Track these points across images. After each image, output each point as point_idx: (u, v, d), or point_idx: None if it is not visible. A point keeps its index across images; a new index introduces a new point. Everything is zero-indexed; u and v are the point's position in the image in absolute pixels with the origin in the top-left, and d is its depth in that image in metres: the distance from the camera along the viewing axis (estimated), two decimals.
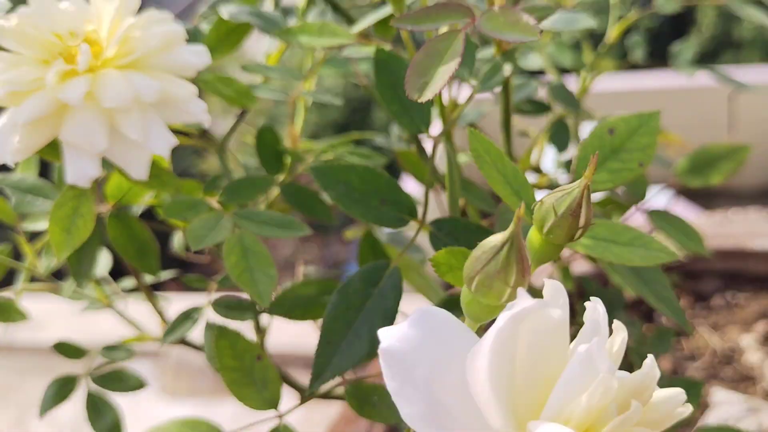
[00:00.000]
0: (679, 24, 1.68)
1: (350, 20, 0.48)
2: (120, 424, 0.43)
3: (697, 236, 0.45)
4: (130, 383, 0.43)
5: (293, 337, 0.89)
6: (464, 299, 0.23)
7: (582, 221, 0.25)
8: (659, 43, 1.45)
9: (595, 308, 0.20)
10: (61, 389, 0.43)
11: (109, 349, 0.44)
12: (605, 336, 0.20)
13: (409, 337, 0.20)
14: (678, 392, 0.21)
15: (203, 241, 0.35)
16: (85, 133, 0.33)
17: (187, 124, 0.41)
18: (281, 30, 0.42)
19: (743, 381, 0.62)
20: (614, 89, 1.05)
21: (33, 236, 0.47)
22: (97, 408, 0.43)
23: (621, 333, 0.21)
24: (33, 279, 0.47)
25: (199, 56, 0.38)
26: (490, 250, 0.22)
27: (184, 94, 0.36)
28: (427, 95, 0.30)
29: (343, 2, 0.49)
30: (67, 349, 0.44)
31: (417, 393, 0.19)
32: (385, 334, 0.20)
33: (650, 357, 0.21)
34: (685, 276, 0.71)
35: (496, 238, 0.23)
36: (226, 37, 0.44)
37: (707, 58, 1.63)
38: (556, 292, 0.20)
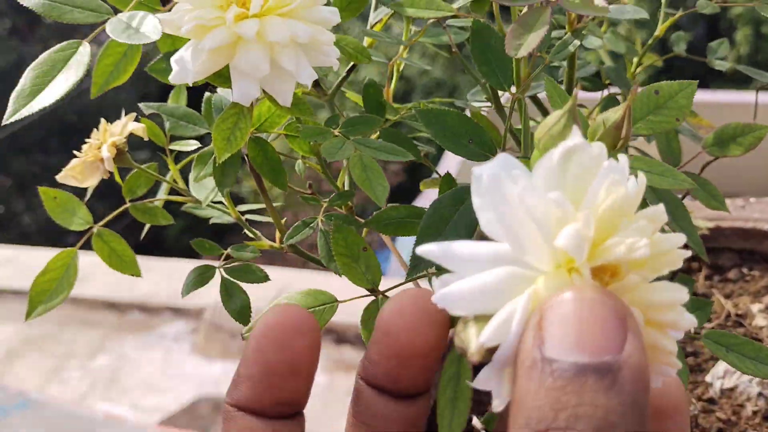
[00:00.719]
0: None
1: None
2: (249, 305, 0.53)
3: (720, 197, 0.55)
4: (257, 275, 0.53)
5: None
6: (533, 160, 0.32)
7: (623, 133, 0.35)
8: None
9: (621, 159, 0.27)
10: (201, 275, 0.53)
11: (237, 249, 0.54)
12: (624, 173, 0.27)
13: (493, 168, 0.27)
14: (679, 235, 0.27)
15: (334, 156, 0.46)
16: (253, 62, 0.43)
17: (322, 66, 0.51)
18: (394, 3, 0.52)
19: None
20: None
21: (177, 159, 0.58)
22: (229, 292, 0.53)
23: (641, 178, 0.27)
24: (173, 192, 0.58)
25: (333, 15, 0.47)
26: (554, 118, 0.32)
27: (326, 39, 0.46)
28: (522, 53, 0.40)
29: None
30: (203, 246, 0.54)
31: (492, 206, 0.27)
32: (477, 167, 0.27)
33: (660, 205, 0.27)
34: (707, 251, 0.81)
35: (559, 111, 0.32)
36: (348, 6, 0.54)
37: (742, 78, 1.70)
38: (599, 145, 0.27)
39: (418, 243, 0.45)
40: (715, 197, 0.55)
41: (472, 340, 0.27)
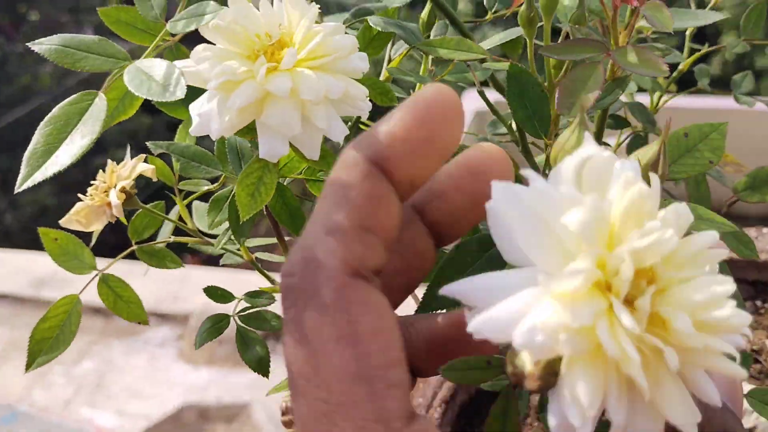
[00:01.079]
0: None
1: (465, 35, 0.55)
2: (267, 355, 0.50)
3: (752, 244, 0.52)
4: (272, 324, 0.51)
5: None
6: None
7: (660, 171, 0.33)
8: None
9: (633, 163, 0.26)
10: (216, 325, 0.50)
11: (253, 296, 0.51)
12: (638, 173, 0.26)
13: (503, 189, 0.26)
14: (711, 232, 0.25)
15: None
16: (283, 119, 0.41)
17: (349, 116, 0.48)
18: (423, 42, 0.50)
19: None
20: (675, 106, 1.13)
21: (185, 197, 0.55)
22: (245, 342, 0.50)
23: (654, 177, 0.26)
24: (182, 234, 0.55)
25: (363, 62, 0.45)
26: (566, 135, 0.30)
27: (358, 93, 0.43)
28: (574, 113, 0.38)
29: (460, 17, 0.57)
30: (214, 293, 0.51)
31: (507, 234, 0.25)
32: (487, 203, 0.26)
33: (682, 203, 0.25)
34: None
35: (569, 128, 0.30)
36: (370, 43, 0.51)
37: (726, 82, 1.69)
38: (609, 152, 0.26)
39: (431, 284, 0.43)
40: (746, 244, 0.53)
41: (526, 363, 0.25)
